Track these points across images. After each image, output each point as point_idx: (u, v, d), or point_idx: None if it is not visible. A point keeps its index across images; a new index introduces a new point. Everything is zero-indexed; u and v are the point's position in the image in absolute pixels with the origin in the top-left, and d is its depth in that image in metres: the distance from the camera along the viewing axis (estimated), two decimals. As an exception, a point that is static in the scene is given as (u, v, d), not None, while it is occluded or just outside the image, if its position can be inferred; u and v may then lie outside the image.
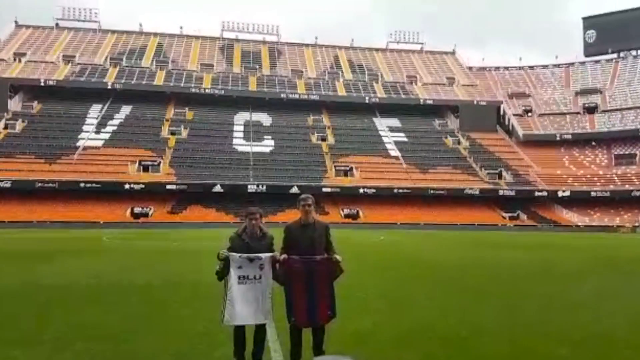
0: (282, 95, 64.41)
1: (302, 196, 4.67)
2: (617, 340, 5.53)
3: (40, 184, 45.24)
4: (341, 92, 66.54)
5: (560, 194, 53.00)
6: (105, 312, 6.75)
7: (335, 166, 54.43)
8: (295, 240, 4.54)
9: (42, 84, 58.91)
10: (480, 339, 5.41)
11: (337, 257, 4.55)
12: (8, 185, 44.65)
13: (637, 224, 48.06)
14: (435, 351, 4.93)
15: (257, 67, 69.36)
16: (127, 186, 46.93)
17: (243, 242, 4.44)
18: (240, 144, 57.28)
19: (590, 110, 66.36)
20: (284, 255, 4.46)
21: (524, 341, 5.39)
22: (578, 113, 66.59)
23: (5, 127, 53.48)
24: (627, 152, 59.88)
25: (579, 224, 49.78)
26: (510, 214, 51.45)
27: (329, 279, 4.50)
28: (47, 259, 14.10)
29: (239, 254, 4.34)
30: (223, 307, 4.33)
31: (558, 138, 62.78)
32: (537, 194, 53.22)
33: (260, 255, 4.37)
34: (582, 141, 62.38)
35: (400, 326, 6.03)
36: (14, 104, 57.92)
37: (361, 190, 50.70)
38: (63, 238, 25.15)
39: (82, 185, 45.99)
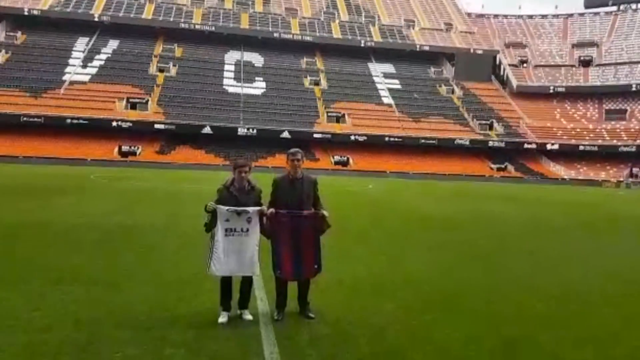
0: (275, 35, 62.49)
1: (292, 150, 4.63)
2: (595, 297, 5.74)
3: (25, 118, 44.36)
4: (336, 34, 64.71)
5: (549, 146, 53.48)
6: (92, 255, 6.81)
7: (327, 112, 53.89)
8: (283, 195, 4.55)
9: (26, 13, 56.36)
10: (460, 294, 5.59)
11: (324, 212, 4.58)
12: (-7, 118, 43.75)
13: (621, 179, 48.96)
14: (413, 303, 5.09)
15: (250, 3, 66.68)
16: (114, 124, 46.24)
17: (231, 195, 4.43)
18: (230, 84, 56.14)
19: (586, 63, 65.70)
20: (272, 210, 4.48)
21: (503, 296, 5.59)
22: (573, 66, 65.93)
23: (-12, 57, 51.68)
24: (618, 107, 60.00)
25: (565, 177, 50.56)
26: (498, 166, 51.99)
27: (315, 234, 4.56)
28: (34, 197, 14.07)
29: (227, 207, 4.35)
30: (209, 257, 4.38)
31: (551, 90, 62.48)
32: (526, 146, 53.63)
33: (247, 208, 4.38)
34: (575, 94, 62.17)
35: (382, 277, 6.19)
36: (-3, 33, 55.66)
37: (352, 138, 50.59)
38: (50, 175, 25.02)
39: (68, 121, 45.19)
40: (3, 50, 53.11)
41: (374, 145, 50.69)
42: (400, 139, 51.25)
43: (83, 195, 15.37)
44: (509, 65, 66.10)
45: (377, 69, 63.69)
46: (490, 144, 52.98)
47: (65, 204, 12.81)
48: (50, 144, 43.83)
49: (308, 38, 63.19)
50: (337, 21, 66.77)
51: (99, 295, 4.92)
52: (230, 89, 55.24)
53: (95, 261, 6.38)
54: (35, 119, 44.56)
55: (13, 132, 43.78)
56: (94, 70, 53.56)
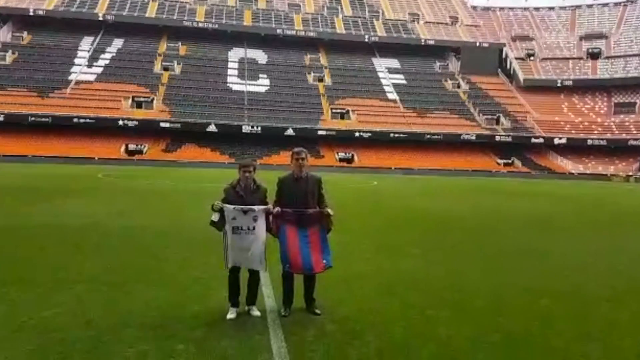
0: (278, 31, 62.50)
1: (296, 149, 4.67)
2: (602, 293, 5.74)
3: (33, 118, 44.75)
4: (340, 29, 64.59)
5: (556, 141, 53.12)
6: (102, 255, 6.89)
7: (331, 108, 53.85)
8: (288, 194, 4.59)
9: (31, 14, 56.74)
10: (464, 290, 5.62)
11: (329, 210, 4.62)
12: (1, 118, 44.16)
13: (631, 173, 48.57)
14: (418, 300, 5.13)
15: None
16: (120, 122, 46.53)
17: (237, 194, 4.49)
18: (234, 82, 56.25)
19: (594, 55, 65.11)
20: (278, 208, 4.53)
21: (508, 292, 5.60)
22: (581, 58, 65.37)
23: (-5, 58, 52.11)
24: (627, 101, 59.42)
25: (573, 171, 50.26)
26: (505, 160, 51.76)
27: (321, 230, 4.60)
28: (44, 197, 14.22)
29: (233, 206, 4.41)
30: (225, 253, 4.50)
31: (559, 84, 62.01)
32: (533, 140, 53.33)
33: (253, 207, 4.44)
34: (583, 88, 61.67)
35: (386, 275, 6.23)
36: (3, 34, 56.14)
37: (357, 134, 50.54)
38: (59, 174, 25.23)
39: (75, 120, 45.52)
40: (10, 51, 53.52)
41: (379, 141, 50.63)
42: (405, 135, 51.13)
43: (91, 195, 15.50)
44: (516, 58, 65.66)
45: (382, 64, 63.52)
46: (497, 138, 52.74)
47: (73, 204, 12.93)
48: (58, 143, 44.20)
49: (311, 34, 63.14)
50: (340, 16, 66.63)
51: (108, 295, 4.99)
52: (235, 87, 55.35)
53: (103, 261, 6.45)
54: (43, 119, 44.95)
55: (21, 132, 44.21)
56: (99, 70, 53.88)
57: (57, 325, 4.10)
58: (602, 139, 53.38)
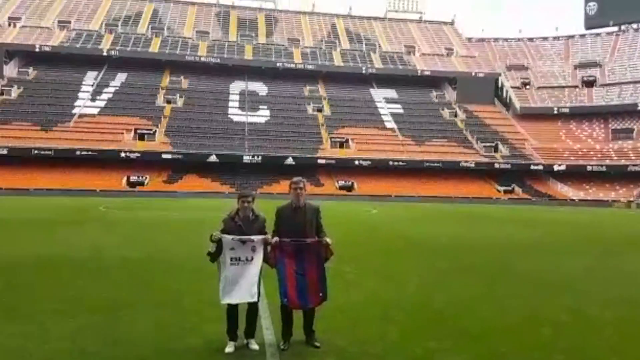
0: (278, 65, 63.60)
1: (294, 179, 4.74)
2: (604, 320, 5.72)
3: (36, 151, 45.08)
4: (338, 61, 65.77)
5: (556, 167, 53.25)
6: (101, 286, 6.89)
7: (330, 138, 54.29)
8: (286, 223, 4.64)
9: (37, 50, 57.94)
10: (464, 319, 5.60)
11: (328, 240, 4.65)
12: (4, 152, 44.50)
13: (632, 199, 48.53)
14: (417, 329, 5.12)
15: (253, 35, 68.22)
16: (123, 154, 46.83)
17: (236, 224, 4.54)
18: (235, 113, 56.91)
19: (589, 83, 65.98)
20: (276, 238, 4.57)
21: (508, 321, 5.58)
22: (576, 86, 66.21)
23: (1, 93, 52.87)
24: (624, 127, 59.85)
25: (574, 198, 50.22)
26: (505, 188, 51.79)
27: (319, 262, 4.62)
28: (46, 229, 14.24)
29: (232, 236, 4.46)
30: (221, 287, 4.45)
31: (555, 111, 62.62)
32: (532, 167, 53.47)
33: (252, 237, 4.49)
34: (580, 115, 62.27)
35: (386, 302, 6.22)
36: (10, 69, 57.08)
37: (356, 162, 50.79)
38: (60, 206, 25.27)
39: (78, 153, 45.84)
40: (15, 86, 54.36)
41: (378, 169, 50.84)
42: (404, 163, 51.37)
43: (94, 228, 15.52)
44: (512, 87, 66.53)
45: (379, 94, 64.35)
46: (496, 165, 52.93)
47: (74, 235, 12.95)
48: (61, 176, 44.37)
49: (310, 66, 64.24)
50: (338, 49, 67.94)
51: (104, 326, 4.99)
52: (235, 118, 55.96)
53: (102, 292, 6.45)
54: (46, 152, 45.26)
55: (24, 165, 44.46)
56: (102, 103, 54.57)
57: (53, 359, 4.08)
58: (602, 165, 53.52)
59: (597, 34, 73.81)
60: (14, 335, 4.72)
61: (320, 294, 4.59)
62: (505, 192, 51.30)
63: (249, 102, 58.87)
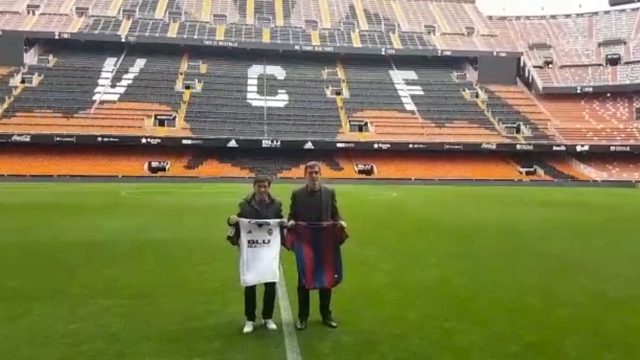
0: (296, 47, 63.25)
1: (310, 163, 4.76)
2: (622, 302, 5.65)
3: (58, 138, 46.00)
4: (356, 43, 65.03)
5: (578, 148, 52.17)
6: (126, 269, 7.07)
7: (350, 121, 54.03)
8: (302, 207, 4.68)
9: (56, 37, 58.73)
10: (481, 300, 5.59)
11: (343, 223, 4.67)
12: (28, 139, 45.52)
13: (656, 180, 47.35)
14: (434, 311, 5.13)
15: (271, 17, 67.76)
16: (143, 140, 47.47)
17: (252, 208, 4.60)
18: (254, 97, 56.98)
19: (613, 61, 64.06)
20: (292, 221, 4.62)
21: (525, 302, 5.55)
22: (600, 65, 64.37)
23: (22, 81, 53.88)
24: (650, 106, 58.13)
25: (597, 179, 49.20)
26: (527, 169, 51.00)
27: (335, 244, 4.67)
28: (69, 214, 14.60)
29: (249, 220, 4.52)
30: (240, 269, 4.54)
31: (579, 91, 61.11)
32: (555, 148, 52.47)
33: (268, 220, 4.55)
34: (603, 94, 60.59)
35: (403, 285, 6.23)
36: (30, 57, 58.02)
37: (376, 146, 50.53)
38: (84, 192, 25.86)
39: (99, 139, 46.65)
40: (36, 74, 55.31)
41: (398, 152, 50.51)
42: (424, 145, 50.91)
43: (116, 212, 15.84)
44: (534, 66, 65.01)
45: (399, 76, 63.60)
46: (518, 147, 52.08)
47: (97, 220, 13.25)
48: (83, 162, 45.31)
49: (329, 49, 63.71)
50: (357, 31, 67.12)
51: (130, 308, 5.13)
52: (254, 102, 56.05)
53: (126, 275, 6.62)
54: (68, 139, 46.16)
55: (47, 152, 45.52)
56: (122, 90, 55.20)
57: (79, 339, 4.23)
58: (626, 145, 52.23)
59: (622, 10, 71.38)
60: (39, 315, 4.89)
61: (336, 275, 4.64)
62: (527, 173, 50.54)
63: (268, 86, 58.83)
